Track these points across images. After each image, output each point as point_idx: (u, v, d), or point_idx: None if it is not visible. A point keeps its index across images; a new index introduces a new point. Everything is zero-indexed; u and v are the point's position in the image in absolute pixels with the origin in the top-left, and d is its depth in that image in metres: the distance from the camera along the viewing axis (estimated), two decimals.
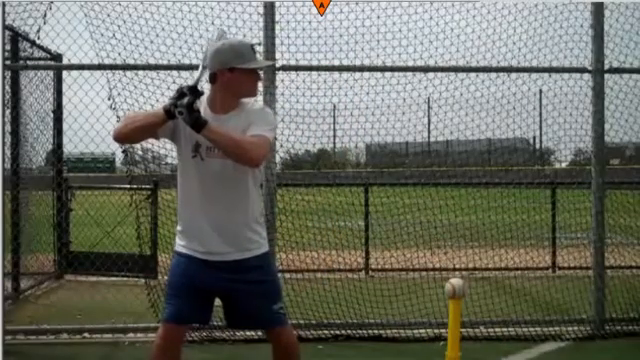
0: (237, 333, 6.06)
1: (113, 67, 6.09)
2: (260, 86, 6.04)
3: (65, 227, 8.96)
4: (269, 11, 6.04)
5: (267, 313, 3.68)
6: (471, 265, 8.72)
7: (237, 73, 3.55)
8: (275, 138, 3.66)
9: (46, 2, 6.42)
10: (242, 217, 3.61)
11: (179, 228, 3.74)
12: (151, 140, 6.25)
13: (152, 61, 6.17)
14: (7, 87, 7.11)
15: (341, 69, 6.34)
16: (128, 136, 3.65)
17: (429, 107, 7.32)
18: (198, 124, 3.35)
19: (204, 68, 3.56)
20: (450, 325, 3.98)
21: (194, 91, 3.35)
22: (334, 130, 7.01)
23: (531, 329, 6.33)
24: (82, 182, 11.10)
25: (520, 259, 8.68)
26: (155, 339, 3.71)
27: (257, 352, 5.71)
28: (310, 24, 6.22)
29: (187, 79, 6.21)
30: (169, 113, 3.37)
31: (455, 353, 3.96)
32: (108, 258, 8.49)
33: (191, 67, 6.16)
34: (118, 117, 6.10)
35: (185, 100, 3.32)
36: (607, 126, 6.46)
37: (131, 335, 6.20)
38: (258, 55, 3.74)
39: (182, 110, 3.32)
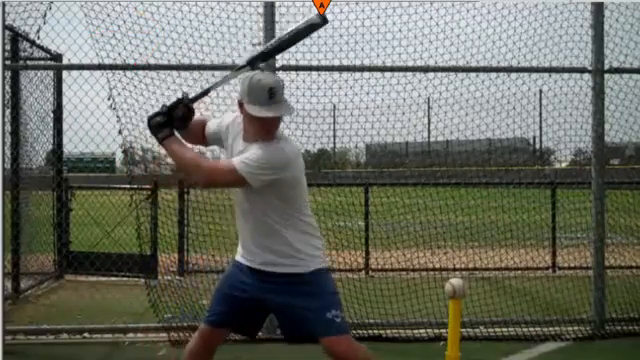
0: None
1: (113, 67, 6.08)
2: None
3: (65, 227, 8.96)
4: (269, 11, 6.04)
5: None
6: (471, 265, 8.73)
7: (245, 111, 3.50)
8: (261, 174, 3.45)
9: (46, 2, 6.42)
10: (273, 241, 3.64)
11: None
12: (151, 140, 6.30)
13: (152, 61, 6.16)
14: (7, 87, 7.12)
15: (341, 69, 6.33)
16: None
17: (429, 107, 7.33)
18: (156, 138, 3.55)
19: (209, 89, 3.65)
20: (450, 325, 3.98)
21: (170, 108, 3.54)
22: (334, 130, 7.00)
23: (531, 329, 6.33)
24: (82, 182, 11.10)
25: (520, 259, 8.69)
26: None
27: (257, 352, 5.71)
28: None
29: (187, 79, 6.23)
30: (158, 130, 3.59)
31: (455, 353, 3.95)
32: (108, 258, 8.49)
33: (191, 67, 6.17)
34: (118, 117, 6.11)
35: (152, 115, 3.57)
36: (607, 126, 6.46)
37: (131, 335, 6.20)
38: (272, 102, 3.43)
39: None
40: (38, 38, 6.87)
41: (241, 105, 3.50)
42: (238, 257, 3.75)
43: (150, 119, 3.55)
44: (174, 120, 3.54)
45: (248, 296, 3.65)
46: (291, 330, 3.70)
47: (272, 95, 3.42)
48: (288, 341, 3.81)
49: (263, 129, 3.49)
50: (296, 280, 3.60)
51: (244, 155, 3.46)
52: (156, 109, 3.60)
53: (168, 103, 3.58)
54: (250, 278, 3.65)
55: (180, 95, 3.61)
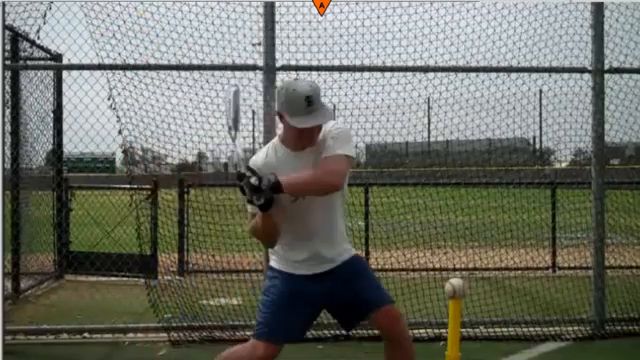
0: (237, 333, 6.06)
1: (113, 67, 6.09)
2: (260, 86, 6.09)
3: (65, 227, 8.96)
4: (269, 11, 6.03)
5: None
6: (471, 265, 8.73)
7: (287, 122, 3.48)
8: (355, 148, 3.52)
9: (46, 2, 6.42)
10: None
11: None
12: (151, 140, 6.31)
13: (152, 61, 6.17)
14: (7, 87, 7.12)
15: (341, 69, 6.33)
16: (274, 243, 3.59)
17: (429, 107, 7.32)
18: (276, 192, 3.27)
19: (231, 129, 3.45)
20: (450, 325, 3.98)
21: (251, 170, 3.30)
22: None
23: (531, 329, 6.33)
24: (82, 182, 11.10)
25: (520, 259, 8.69)
26: None
27: None
28: (310, 24, 6.22)
29: (187, 79, 6.22)
30: (263, 206, 3.26)
31: (455, 353, 3.95)
32: (108, 258, 8.50)
33: (191, 67, 6.17)
34: (118, 117, 6.11)
35: (257, 186, 3.24)
36: (607, 126, 6.46)
37: (131, 335, 6.20)
38: (311, 110, 3.40)
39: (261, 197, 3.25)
40: (38, 38, 6.88)
41: (282, 116, 3.50)
42: (282, 267, 3.69)
43: (257, 188, 3.24)
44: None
45: (310, 302, 3.66)
46: (348, 315, 3.76)
47: (310, 103, 3.40)
48: (347, 329, 4.03)
49: (295, 138, 3.51)
50: (345, 266, 3.69)
51: (329, 145, 3.45)
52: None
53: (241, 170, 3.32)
54: (308, 286, 3.64)
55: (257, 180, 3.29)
